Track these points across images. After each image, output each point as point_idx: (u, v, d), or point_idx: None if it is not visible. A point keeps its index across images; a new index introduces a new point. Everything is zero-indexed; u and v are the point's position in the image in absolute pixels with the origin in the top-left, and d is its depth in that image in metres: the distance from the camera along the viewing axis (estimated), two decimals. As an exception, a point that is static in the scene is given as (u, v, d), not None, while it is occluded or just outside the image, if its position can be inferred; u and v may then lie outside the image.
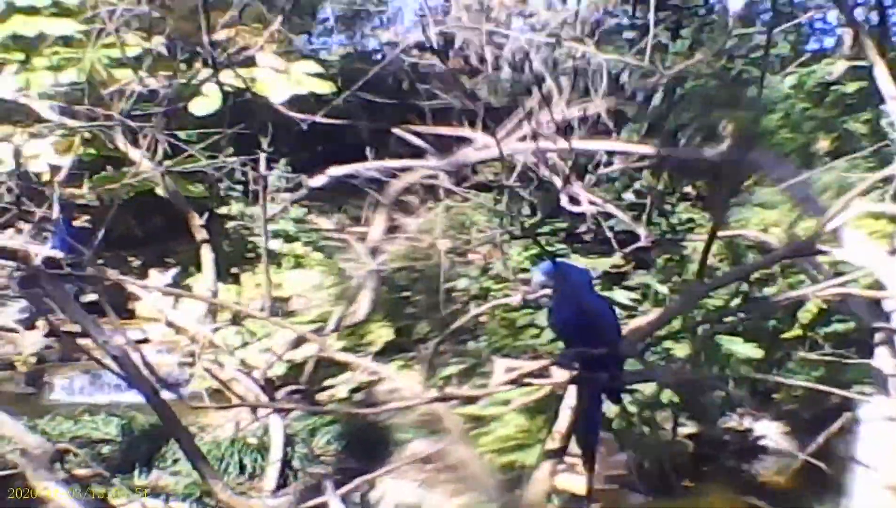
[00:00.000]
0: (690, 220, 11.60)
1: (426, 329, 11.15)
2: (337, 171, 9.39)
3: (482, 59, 13.19)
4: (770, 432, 10.92)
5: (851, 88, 12.47)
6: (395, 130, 9.52)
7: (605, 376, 5.44)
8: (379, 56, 20.59)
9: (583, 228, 11.45)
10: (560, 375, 5.92)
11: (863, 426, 7.19)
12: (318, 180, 9.42)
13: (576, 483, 7.66)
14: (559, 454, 6.21)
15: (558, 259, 6.79)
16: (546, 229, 11.69)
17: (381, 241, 9.73)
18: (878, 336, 7.17)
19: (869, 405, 7.15)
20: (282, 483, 9.48)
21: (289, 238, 14.66)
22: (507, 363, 6.40)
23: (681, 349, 9.41)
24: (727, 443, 10.65)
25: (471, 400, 6.95)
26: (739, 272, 7.38)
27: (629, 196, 11.95)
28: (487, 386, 6.25)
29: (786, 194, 7.23)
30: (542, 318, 10.30)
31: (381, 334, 11.44)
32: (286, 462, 9.63)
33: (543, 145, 9.22)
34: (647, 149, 8.66)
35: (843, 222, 6.48)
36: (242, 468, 9.67)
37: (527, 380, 5.92)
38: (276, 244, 14.35)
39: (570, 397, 6.27)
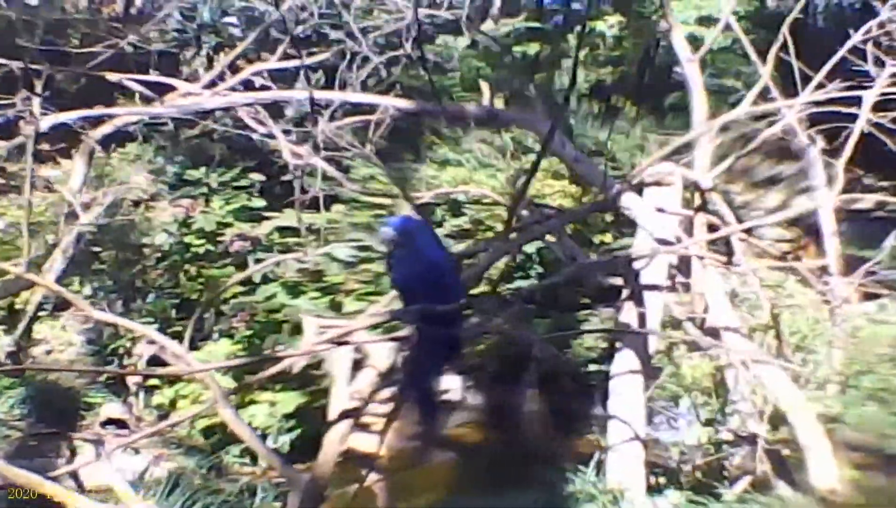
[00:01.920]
0: (372, 177, 11.60)
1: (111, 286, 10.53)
2: (64, 117, 8.62)
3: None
4: (454, 386, 11.22)
5: (532, 49, 12.98)
6: (109, 77, 8.96)
7: (452, 332, 5.37)
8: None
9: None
10: (363, 335, 5.83)
11: (612, 380, 7.52)
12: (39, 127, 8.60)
13: (368, 442, 7.56)
14: (353, 414, 6.08)
15: (405, 214, 6.64)
16: (244, 182, 11.36)
17: (80, 190, 9.06)
18: (624, 292, 7.57)
19: (619, 360, 7.51)
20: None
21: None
22: (318, 322, 6.21)
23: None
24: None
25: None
26: (544, 229, 7.48)
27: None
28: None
29: (556, 153, 7.41)
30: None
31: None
32: (-21, 428, 8.85)
33: (264, 95, 9.05)
34: (404, 103, 8.57)
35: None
36: (-68, 436, 8.79)
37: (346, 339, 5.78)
38: None
39: (376, 357, 6.17)
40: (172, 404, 9.50)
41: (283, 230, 10.52)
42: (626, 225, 10.87)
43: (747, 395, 7.24)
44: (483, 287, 10.57)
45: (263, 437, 9.06)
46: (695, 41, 13.44)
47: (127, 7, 14.68)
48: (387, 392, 6.95)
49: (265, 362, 6.32)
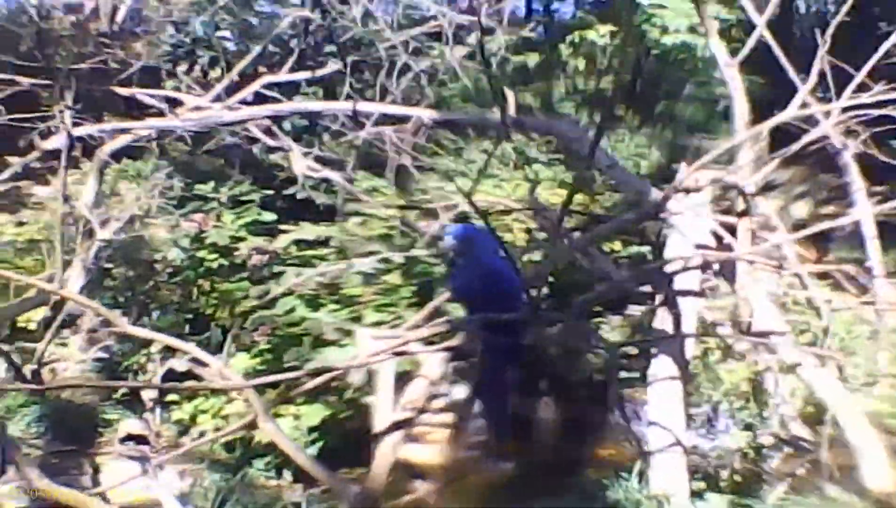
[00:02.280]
0: (375, 189, 11.55)
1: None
2: (80, 131, 8.55)
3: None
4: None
5: (532, 60, 13.00)
6: (119, 91, 8.94)
7: (515, 340, 5.36)
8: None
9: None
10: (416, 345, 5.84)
11: (650, 387, 7.52)
12: (54, 142, 8.54)
13: (422, 453, 7.53)
14: (405, 425, 6.06)
15: (467, 223, 6.62)
16: (255, 196, 11.29)
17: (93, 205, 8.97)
18: (658, 298, 7.58)
19: (656, 366, 7.50)
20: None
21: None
22: (371, 333, 6.19)
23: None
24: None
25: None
26: (592, 237, 7.49)
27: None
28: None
29: (592, 162, 7.44)
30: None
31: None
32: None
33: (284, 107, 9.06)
34: (429, 113, 8.56)
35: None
36: (-47, 454, 8.65)
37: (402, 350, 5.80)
38: None
39: (428, 367, 6.16)
40: (192, 419, 9.41)
41: (299, 243, 10.45)
42: (632, 233, 10.93)
43: (788, 398, 7.31)
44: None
45: (290, 450, 9.01)
46: (687, 50, 13.64)
47: (111, 23, 14.59)
48: (441, 402, 6.95)
49: (314, 375, 6.27)
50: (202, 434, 9.29)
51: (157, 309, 10.57)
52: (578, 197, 11.30)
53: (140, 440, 9.53)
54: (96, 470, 8.80)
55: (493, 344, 5.32)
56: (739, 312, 7.12)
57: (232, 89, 10.53)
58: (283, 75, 9.88)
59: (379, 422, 5.97)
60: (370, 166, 11.82)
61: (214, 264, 10.32)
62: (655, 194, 7.32)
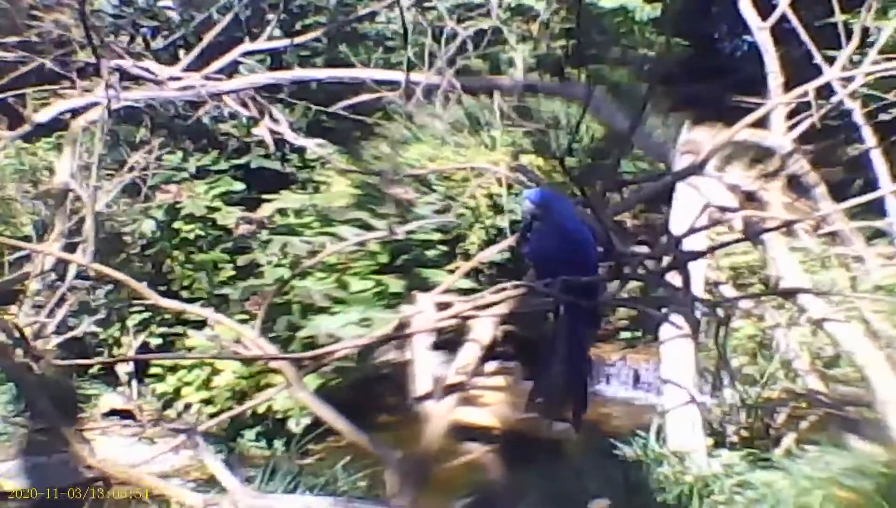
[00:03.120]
0: (321, 156, 11.48)
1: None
2: (63, 105, 8.38)
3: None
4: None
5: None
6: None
7: (591, 304, 5.43)
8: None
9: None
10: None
11: (663, 346, 7.71)
12: (45, 116, 8.35)
13: (477, 416, 7.56)
14: (458, 388, 6.12)
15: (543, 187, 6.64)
16: (224, 165, 11.17)
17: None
18: (667, 262, 7.77)
19: (668, 326, 7.69)
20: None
21: None
22: (432, 298, 6.19)
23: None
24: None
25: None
26: (635, 199, 7.57)
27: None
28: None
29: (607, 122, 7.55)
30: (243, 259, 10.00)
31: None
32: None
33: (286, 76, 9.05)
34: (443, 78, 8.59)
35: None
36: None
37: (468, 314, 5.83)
38: None
39: (479, 331, 6.22)
40: (177, 392, 9.36)
41: (281, 212, 10.39)
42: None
43: (799, 352, 7.58)
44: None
45: (284, 420, 9.01)
46: (624, 13, 13.87)
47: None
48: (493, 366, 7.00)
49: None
50: (188, 407, 9.29)
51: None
52: (539, 162, 11.51)
53: (124, 414, 9.46)
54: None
55: (574, 308, 5.37)
56: (768, 270, 7.35)
57: (173, 58, 10.44)
58: (261, 43, 9.74)
59: (418, 387, 6.00)
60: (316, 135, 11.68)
61: (191, 235, 10.17)
62: (678, 157, 7.51)
